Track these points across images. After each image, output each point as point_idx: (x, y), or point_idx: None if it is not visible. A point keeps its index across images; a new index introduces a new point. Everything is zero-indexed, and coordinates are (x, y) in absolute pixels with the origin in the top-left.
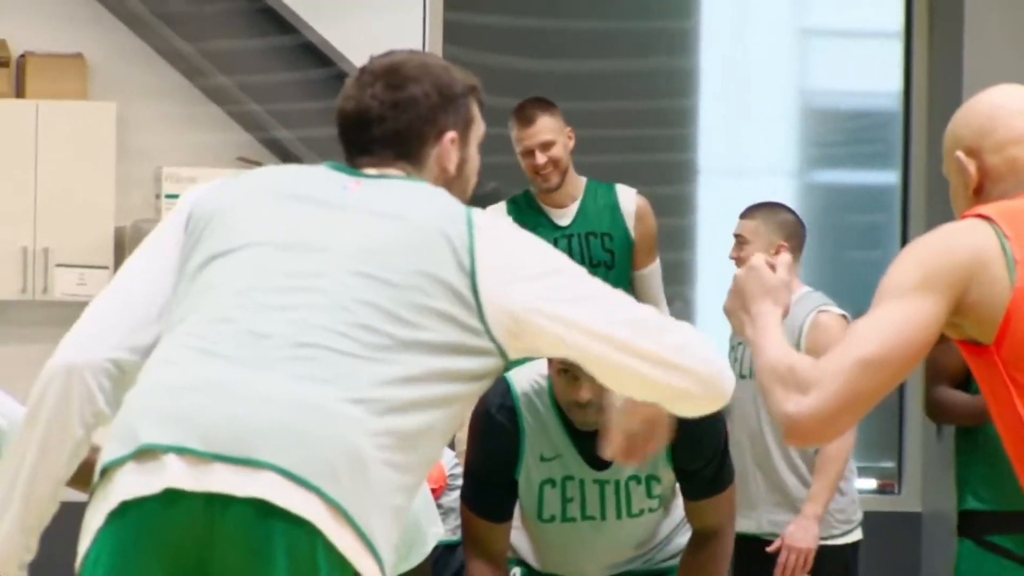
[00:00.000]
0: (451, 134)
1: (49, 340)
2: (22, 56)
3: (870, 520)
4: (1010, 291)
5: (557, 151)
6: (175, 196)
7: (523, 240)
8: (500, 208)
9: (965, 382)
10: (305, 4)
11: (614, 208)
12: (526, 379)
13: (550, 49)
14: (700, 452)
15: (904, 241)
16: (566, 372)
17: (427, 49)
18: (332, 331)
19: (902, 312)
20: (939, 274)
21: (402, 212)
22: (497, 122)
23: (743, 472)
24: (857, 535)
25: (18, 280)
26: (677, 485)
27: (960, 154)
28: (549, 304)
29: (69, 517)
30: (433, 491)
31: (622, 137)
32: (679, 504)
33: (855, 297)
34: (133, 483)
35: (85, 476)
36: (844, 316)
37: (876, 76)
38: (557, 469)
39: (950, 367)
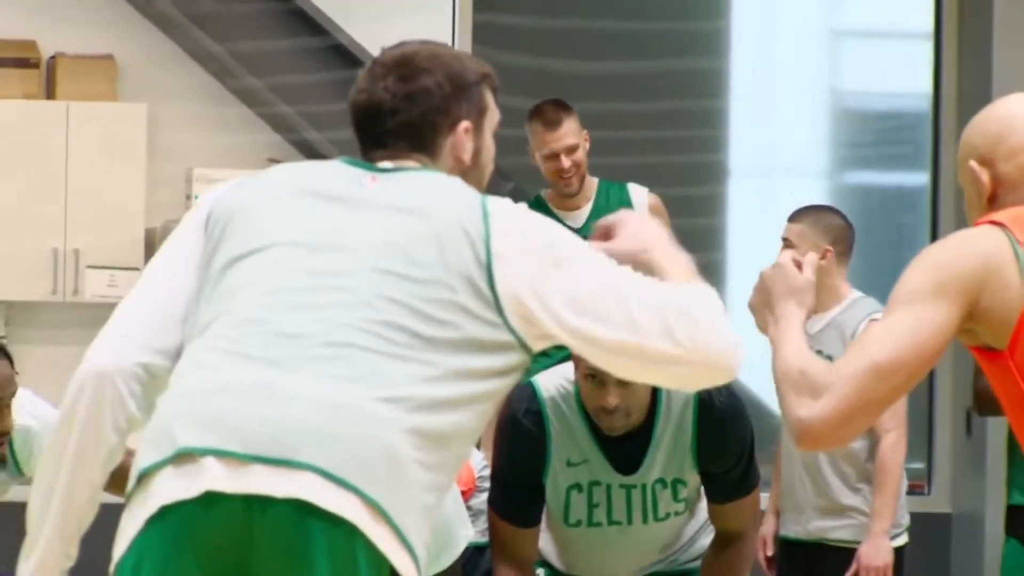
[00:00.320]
0: (465, 124)
1: (80, 342)
2: (52, 57)
3: None
4: (1023, 296)
5: (580, 155)
6: None
7: (538, 228)
8: None
9: None
10: (334, 5)
11: (626, 207)
12: (552, 383)
13: (579, 50)
14: (726, 455)
15: (934, 242)
16: (593, 377)
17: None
18: (360, 329)
19: (915, 318)
20: (952, 280)
21: (421, 206)
22: (522, 123)
23: (791, 477)
24: (903, 539)
25: (48, 281)
26: (702, 487)
27: (973, 163)
28: (549, 297)
29: (105, 519)
30: (463, 493)
31: (651, 138)
32: (703, 506)
33: (884, 298)
34: (172, 487)
35: (120, 480)
36: None
37: (906, 77)
38: (584, 474)
39: None
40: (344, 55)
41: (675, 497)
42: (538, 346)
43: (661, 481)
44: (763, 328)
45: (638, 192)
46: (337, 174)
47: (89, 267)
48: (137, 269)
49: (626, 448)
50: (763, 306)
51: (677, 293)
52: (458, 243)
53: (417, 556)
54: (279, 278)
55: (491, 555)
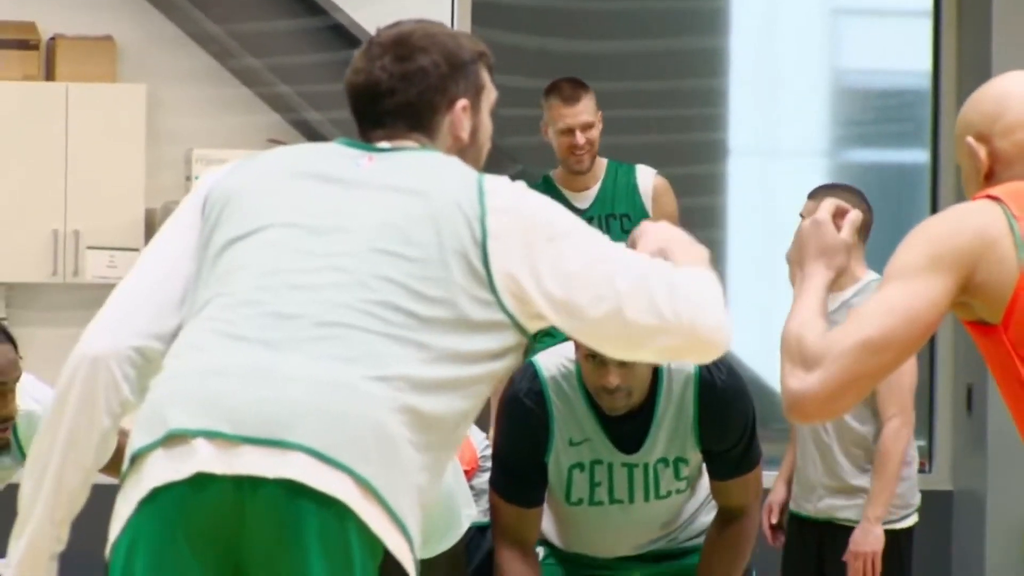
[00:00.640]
0: (462, 102)
1: (80, 323)
2: (52, 39)
3: None
4: (1018, 270)
5: (594, 133)
6: None
7: (534, 205)
8: None
9: None
10: None
11: (633, 189)
12: (553, 363)
13: (578, 29)
14: (728, 433)
15: None
16: (594, 357)
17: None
18: (356, 309)
19: (909, 292)
20: (946, 254)
21: (417, 185)
22: (526, 103)
23: (803, 455)
24: (913, 519)
25: (49, 263)
26: (703, 465)
27: (970, 139)
28: (539, 273)
29: (101, 500)
30: (465, 472)
31: (652, 117)
32: (703, 483)
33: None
34: (163, 469)
35: (116, 462)
36: None
37: (906, 55)
38: (586, 453)
39: None
40: (344, 35)
41: (677, 475)
42: (532, 326)
43: (663, 460)
44: (793, 282)
45: (645, 174)
46: (334, 155)
47: (89, 248)
48: (137, 250)
49: (628, 427)
50: (795, 262)
51: (667, 269)
52: (454, 221)
53: (411, 536)
54: (275, 259)
55: (492, 537)
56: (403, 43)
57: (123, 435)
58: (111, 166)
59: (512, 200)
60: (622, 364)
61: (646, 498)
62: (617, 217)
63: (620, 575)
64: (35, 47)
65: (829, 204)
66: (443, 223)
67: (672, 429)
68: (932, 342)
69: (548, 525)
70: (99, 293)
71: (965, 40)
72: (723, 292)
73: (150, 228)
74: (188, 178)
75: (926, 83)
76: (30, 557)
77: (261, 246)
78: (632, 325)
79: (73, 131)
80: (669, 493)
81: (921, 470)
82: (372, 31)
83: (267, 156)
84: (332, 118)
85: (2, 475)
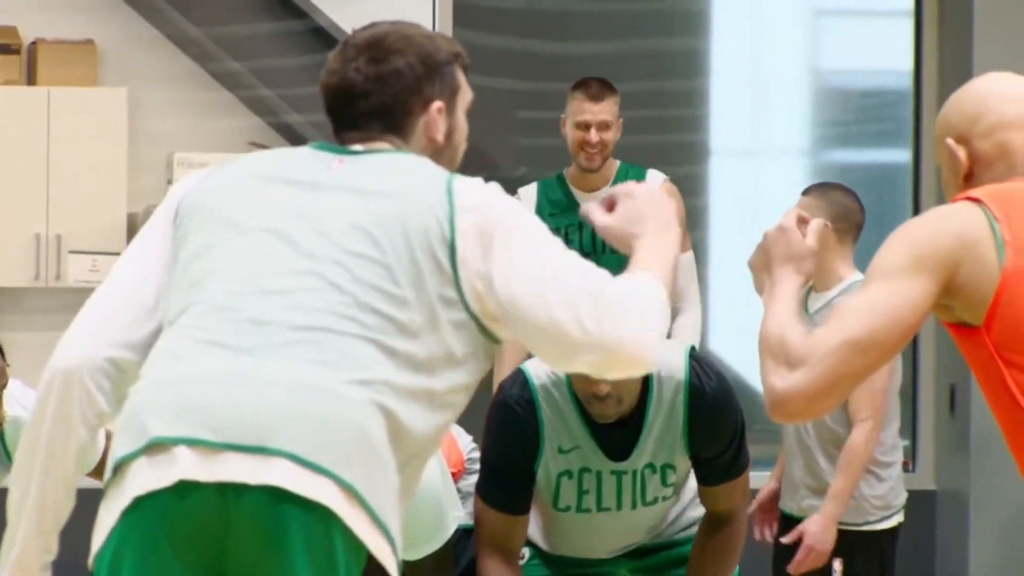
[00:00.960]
0: (437, 104)
1: (63, 327)
2: (33, 43)
3: None
4: (999, 272)
5: (609, 135)
6: None
7: (500, 206)
8: (531, 190)
9: None
10: None
11: None
12: (544, 371)
13: (560, 31)
14: (718, 439)
15: None
16: None
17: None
18: (331, 313)
19: (891, 293)
20: (928, 255)
21: (388, 188)
22: (517, 105)
23: (788, 456)
24: (896, 520)
25: (31, 267)
26: (690, 471)
27: (950, 141)
28: (495, 274)
29: (91, 507)
30: (452, 475)
31: (634, 118)
32: (689, 487)
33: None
34: (146, 477)
35: (103, 467)
36: None
37: (887, 55)
38: (575, 461)
39: None
40: (325, 38)
41: (664, 482)
42: (496, 329)
43: (651, 466)
44: (759, 290)
45: (653, 178)
46: (306, 159)
47: (71, 252)
48: (119, 254)
49: (617, 435)
50: (762, 268)
51: (604, 282)
52: (424, 221)
53: (393, 538)
54: (248, 265)
55: (477, 546)
56: (378, 45)
57: (109, 438)
58: (93, 170)
59: (480, 200)
60: None
61: (633, 505)
62: None
63: (606, 571)
64: (16, 51)
65: (792, 212)
66: (412, 224)
67: (661, 436)
68: (915, 342)
69: (534, 528)
70: (81, 297)
71: (946, 40)
72: (663, 302)
73: (132, 232)
74: (170, 181)
75: (908, 83)
76: (20, 569)
77: (233, 252)
78: (562, 338)
79: (55, 135)
80: (656, 500)
81: (904, 470)
82: None
83: (238, 162)
84: (313, 121)
85: None
